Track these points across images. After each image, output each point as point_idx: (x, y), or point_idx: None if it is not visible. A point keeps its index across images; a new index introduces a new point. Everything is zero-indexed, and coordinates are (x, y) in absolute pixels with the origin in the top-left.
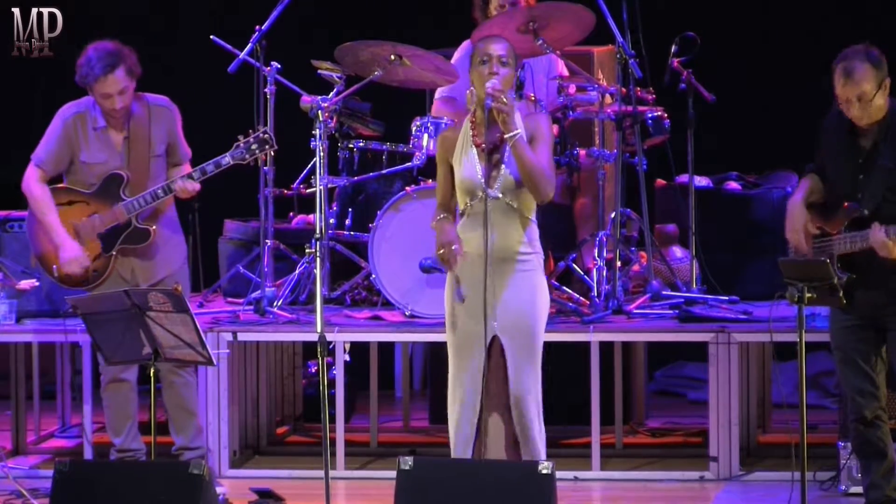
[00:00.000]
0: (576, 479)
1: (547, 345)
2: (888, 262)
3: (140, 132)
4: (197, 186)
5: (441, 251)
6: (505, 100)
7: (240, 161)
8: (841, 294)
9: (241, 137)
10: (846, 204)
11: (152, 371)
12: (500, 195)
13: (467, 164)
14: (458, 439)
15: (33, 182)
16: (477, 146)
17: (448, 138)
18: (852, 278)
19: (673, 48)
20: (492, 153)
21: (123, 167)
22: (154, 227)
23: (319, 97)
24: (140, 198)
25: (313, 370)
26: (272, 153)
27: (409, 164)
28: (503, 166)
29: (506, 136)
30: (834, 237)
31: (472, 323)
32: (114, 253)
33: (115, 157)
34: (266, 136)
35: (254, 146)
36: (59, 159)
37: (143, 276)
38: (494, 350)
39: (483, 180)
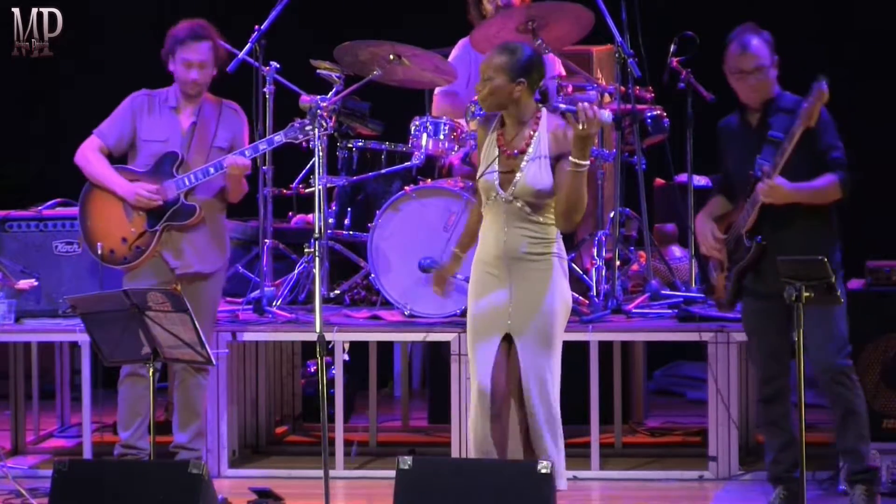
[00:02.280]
0: (575, 478)
1: None
2: (788, 228)
3: (207, 121)
4: (247, 162)
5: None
6: (593, 132)
7: (293, 140)
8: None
9: (297, 119)
10: (750, 173)
11: (152, 371)
12: (513, 199)
13: (487, 163)
14: (475, 430)
15: (88, 149)
16: (500, 147)
17: (483, 128)
18: (762, 245)
19: (672, 47)
20: (512, 158)
21: (183, 150)
22: (202, 205)
23: (318, 97)
24: (191, 174)
25: (312, 370)
26: (326, 132)
27: (409, 163)
28: (521, 173)
29: (575, 160)
30: (737, 216)
31: (488, 320)
32: (158, 229)
33: (177, 139)
34: (321, 112)
35: (308, 127)
36: (120, 131)
37: (182, 263)
38: (512, 347)
39: (498, 182)
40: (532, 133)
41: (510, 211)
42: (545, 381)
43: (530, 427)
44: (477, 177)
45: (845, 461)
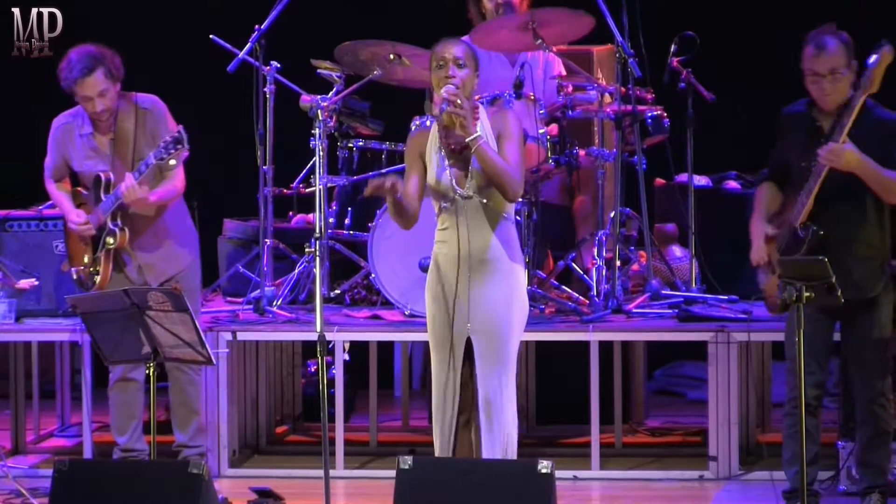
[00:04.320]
0: (575, 478)
1: (546, 344)
2: (843, 223)
3: (125, 133)
4: (133, 183)
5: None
6: (460, 102)
7: (159, 161)
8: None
9: (166, 137)
10: (803, 164)
11: (152, 370)
12: (472, 194)
13: (437, 166)
14: (438, 436)
15: (46, 177)
16: (446, 147)
17: (420, 137)
18: (818, 234)
19: (672, 47)
20: (461, 152)
21: (108, 169)
22: (124, 229)
23: (319, 96)
24: (107, 199)
25: (313, 369)
26: (186, 152)
27: None
28: (473, 165)
29: (467, 140)
30: (789, 212)
31: (447, 324)
32: (100, 255)
33: (103, 160)
34: (178, 134)
35: (169, 146)
36: (57, 167)
37: (151, 274)
38: (470, 351)
39: (454, 181)
40: (474, 122)
41: (470, 210)
42: (502, 385)
43: (488, 430)
44: (428, 181)
45: (863, 474)
